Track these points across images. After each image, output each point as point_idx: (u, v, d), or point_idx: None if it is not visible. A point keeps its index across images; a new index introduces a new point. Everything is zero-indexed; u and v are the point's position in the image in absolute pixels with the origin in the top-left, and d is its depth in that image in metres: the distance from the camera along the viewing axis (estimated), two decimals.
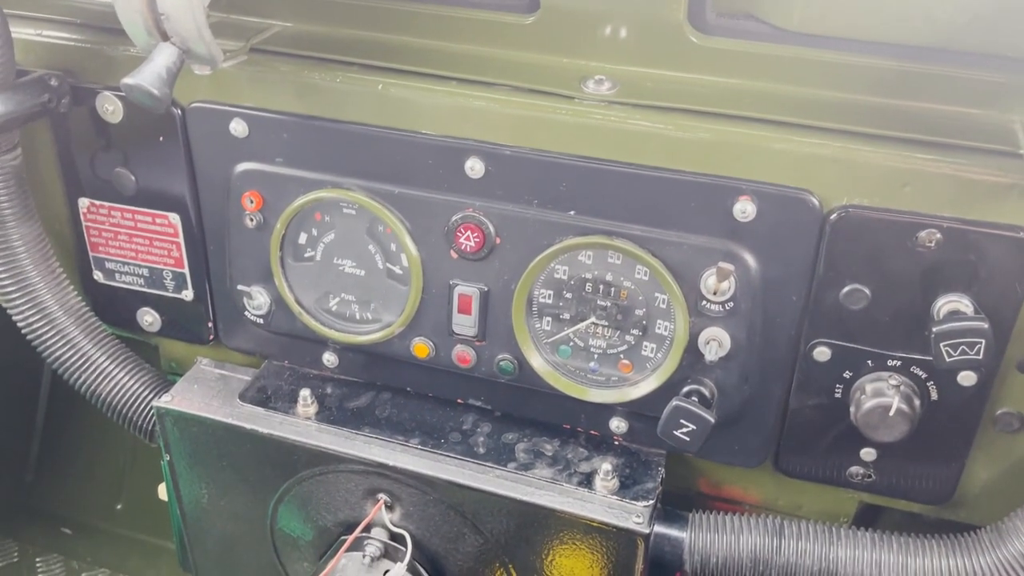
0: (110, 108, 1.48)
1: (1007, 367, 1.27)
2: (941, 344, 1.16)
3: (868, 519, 1.52)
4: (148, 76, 1.19)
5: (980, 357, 1.16)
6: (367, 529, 1.50)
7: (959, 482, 1.37)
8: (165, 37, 1.21)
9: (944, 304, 1.21)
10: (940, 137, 1.18)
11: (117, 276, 1.65)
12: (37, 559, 2.31)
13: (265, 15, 1.47)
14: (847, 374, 1.31)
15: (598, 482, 1.41)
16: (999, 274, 1.19)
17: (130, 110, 1.47)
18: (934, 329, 1.17)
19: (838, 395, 1.33)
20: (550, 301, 1.39)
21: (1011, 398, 1.30)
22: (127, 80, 1.19)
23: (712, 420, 1.28)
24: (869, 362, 1.29)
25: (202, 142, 1.46)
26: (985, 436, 1.33)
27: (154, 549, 2.31)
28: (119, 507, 2.34)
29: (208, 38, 1.22)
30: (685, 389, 1.35)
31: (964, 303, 1.20)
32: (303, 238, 1.47)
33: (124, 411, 1.64)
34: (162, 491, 1.71)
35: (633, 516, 1.36)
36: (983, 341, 1.15)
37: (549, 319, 1.41)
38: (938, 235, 1.19)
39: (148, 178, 1.53)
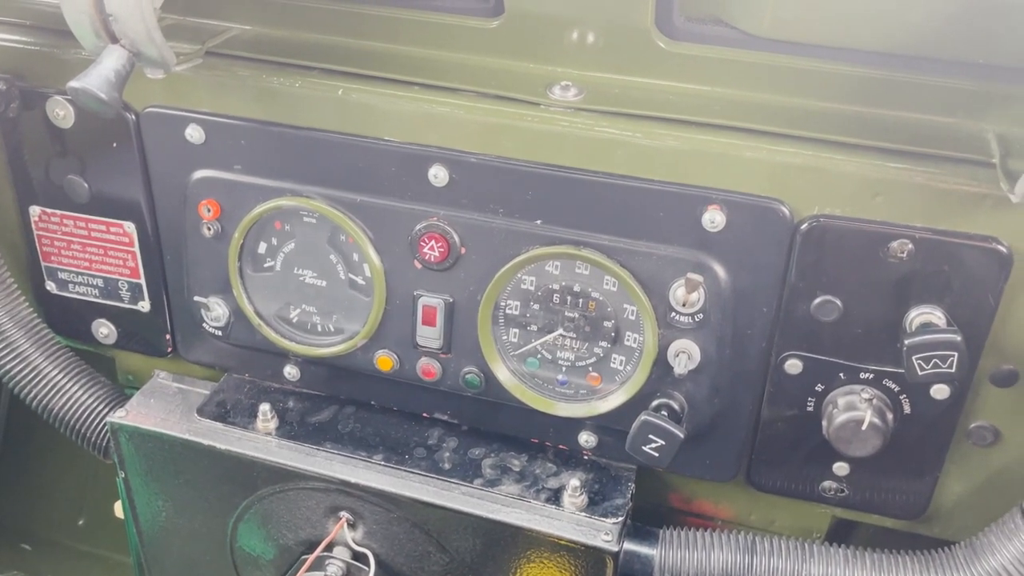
0: (61, 113, 1.43)
1: (980, 380, 1.25)
2: (913, 357, 1.14)
3: (842, 534, 1.49)
4: (95, 79, 1.14)
5: (953, 370, 1.14)
6: (329, 548, 1.46)
7: (933, 497, 1.35)
8: (114, 39, 1.17)
9: (916, 316, 1.19)
10: (912, 146, 1.16)
11: (71, 287, 1.60)
12: None
13: (222, 18, 1.42)
14: (819, 387, 1.29)
15: (566, 498, 1.37)
16: (972, 285, 1.17)
17: (82, 115, 1.42)
18: (906, 342, 1.14)
19: (810, 408, 1.30)
20: (517, 312, 1.36)
21: (984, 411, 1.28)
22: (73, 83, 1.14)
23: (681, 435, 1.25)
24: (841, 375, 1.27)
25: (157, 148, 1.41)
26: (958, 450, 1.31)
27: (116, 565, 2.25)
28: (80, 523, 2.28)
29: (159, 40, 1.17)
30: (654, 403, 1.32)
31: (936, 315, 1.18)
32: (262, 247, 1.43)
33: (77, 426, 1.58)
34: (119, 509, 1.65)
35: (602, 533, 1.33)
36: (956, 354, 1.13)
37: (516, 330, 1.37)
38: (910, 246, 1.17)
39: (102, 185, 1.48)
